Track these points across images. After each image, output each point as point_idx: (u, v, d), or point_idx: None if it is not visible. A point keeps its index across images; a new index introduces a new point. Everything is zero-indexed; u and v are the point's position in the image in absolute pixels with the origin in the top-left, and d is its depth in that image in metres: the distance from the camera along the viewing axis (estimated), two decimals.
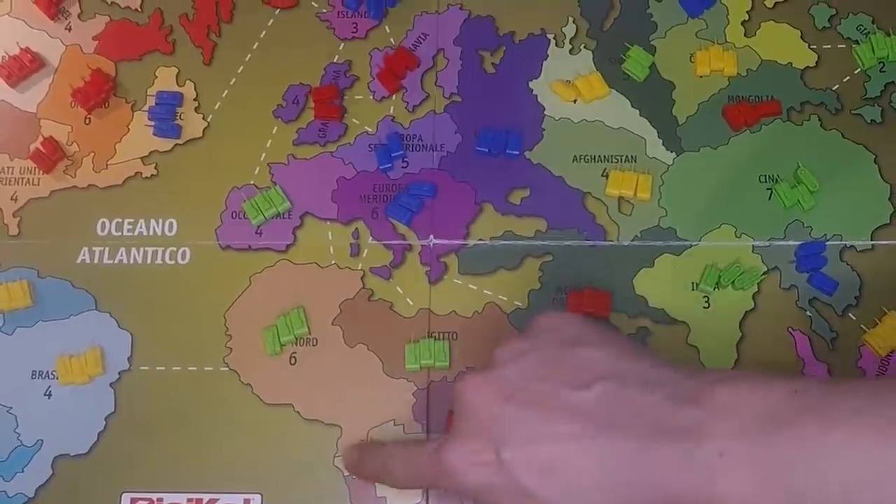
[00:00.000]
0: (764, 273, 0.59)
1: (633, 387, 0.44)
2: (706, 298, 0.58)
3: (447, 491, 0.48)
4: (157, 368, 0.58)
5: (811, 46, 0.64)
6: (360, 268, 0.60)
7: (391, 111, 0.63)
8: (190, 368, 0.58)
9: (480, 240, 0.60)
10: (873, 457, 0.38)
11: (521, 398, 0.45)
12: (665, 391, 0.43)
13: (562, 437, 0.43)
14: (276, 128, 0.63)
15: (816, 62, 0.63)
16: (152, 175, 0.62)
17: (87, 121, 0.64)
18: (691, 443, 0.41)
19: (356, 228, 0.61)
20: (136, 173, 0.62)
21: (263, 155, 0.62)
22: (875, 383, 0.42)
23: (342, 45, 0.65)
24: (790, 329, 0.57)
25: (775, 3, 0.65)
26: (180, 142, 0.63)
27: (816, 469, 0.39)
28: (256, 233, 0.61)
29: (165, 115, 0.63)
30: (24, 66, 0.64)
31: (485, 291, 0.59)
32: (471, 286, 0.59)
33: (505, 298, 0.59)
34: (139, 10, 0.66)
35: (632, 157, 0.62)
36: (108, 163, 0.62)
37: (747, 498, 0.40)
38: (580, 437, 0.43)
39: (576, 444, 0.43)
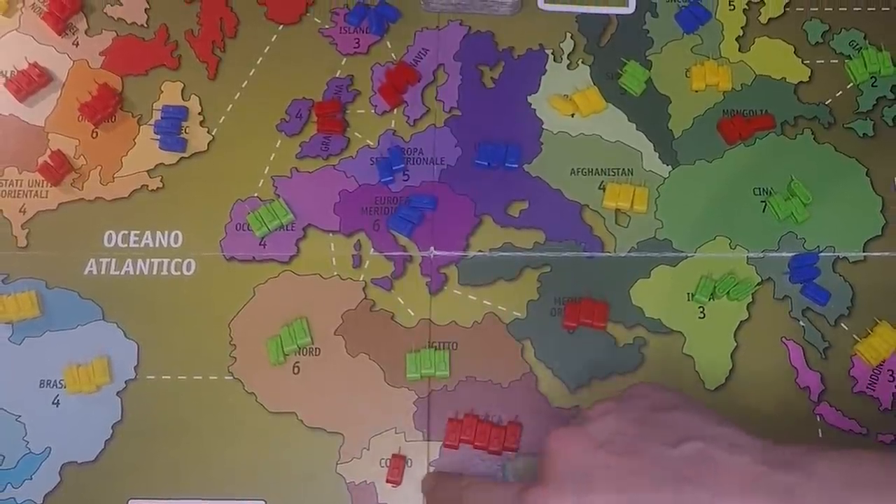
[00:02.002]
0: (758, 284, 0.60)
1: (723, 449, 0.44)
2: (701, 309, 0.59)
3: None
4: (163, 377, 0.59)
5: (804, 61, 0.65)
6: (361, 279, 0.61)
7: (392, 125, 0.64)
8: (195, 377, 0.58)
9: (480, 251, 0.61)
10: None
11: (610, 448, 0.45)
12: (755, 455, 0.44)
13: (645, 487, 0.43)
14: (279, 141, 0.64)
15: (809, 77, 0.64)
16: (158, 188, 0.63)
17: (94, 134, 0.64)
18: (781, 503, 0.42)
19: (358, 240, 0.61)
20: (142, 186, 0.63)
21: (267, 168, 0.63)
22: None
23: (344, 60, 0.66)
24: (784, 339, 0.58)
25: (769, 19, 0.66)
26: (186, 155, 0.64)
27: None
28: (260, 244, 0.61)
29: (171, 128, 0.64)
30: (33, 81, 0.65)
31: (484, 302, 0.60)
32: (470, 297, 0.60)
33: (504, 309, 0.60)
34: (145, 25, 0.67)
35: (628, 170, 0.62)
36: (115, 176, 0.63)
37: None
38: (663, 489, 0.43)
39: (657, 496, 0.43)
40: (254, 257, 0.61)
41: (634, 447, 0.45)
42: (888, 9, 0.66)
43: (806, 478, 0.42)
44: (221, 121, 0.65)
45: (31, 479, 0.56)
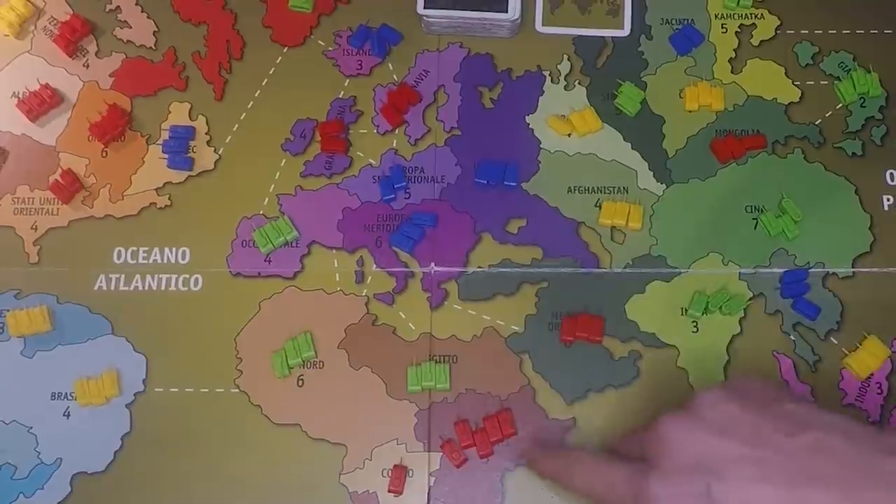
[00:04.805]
0: (750, 299, 0.61)
1: (839, 438, 0.45)
2: (695, 323, 0.60)
3: None
4: (171, 390, 0.60)
5: (795, 83, 0.66)
6: (364, 294, 0.62)
7: (394, 144, 0.65)
8: (202, 390, 0.60)
9: (479, 267, 0.62)
10: None
11: (735, 436, 0.46)
12: (869, 444, 0.45)
13: (775, 481, 0.44)
14: (284, 160, 0.65)
15: (800, 98, 0.65)
16: (166, 205, 0.64)
17: (104, 154, 0.66)
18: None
19: (361, 256, 0.63)
20: (150, 204, 0.64)
21: (272, 186, 0.64)
22: None
23: (347, 81, 0.67)
24: (775, 352, 0.60)
25: (761, 42, 0.67)
26: (193, 174, 0.65)
27: None
28: (265, 260, 0.63)
29: (179, 148, 0.65)
30: (44, 102, 0.66)
31: (483, 316, 0.61)
32: (470, 311, 0.61)
33: (503, 323, 0.61)
34: (154, 47, 0.68)
35: (624, 188, 0.64)
36: (124, 194, 0.64)
37: None
38: (792, 484, 0.44)
39: (786, 491, 0.44)
40: (259, 273, 0.62)
41: (757, 437, 0.45)
42: (876, 31, 0.67)
43: None
44: (228, 140, 0.66)
45: (43, 488, 0.58)
